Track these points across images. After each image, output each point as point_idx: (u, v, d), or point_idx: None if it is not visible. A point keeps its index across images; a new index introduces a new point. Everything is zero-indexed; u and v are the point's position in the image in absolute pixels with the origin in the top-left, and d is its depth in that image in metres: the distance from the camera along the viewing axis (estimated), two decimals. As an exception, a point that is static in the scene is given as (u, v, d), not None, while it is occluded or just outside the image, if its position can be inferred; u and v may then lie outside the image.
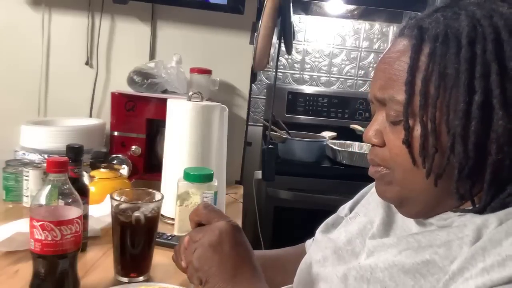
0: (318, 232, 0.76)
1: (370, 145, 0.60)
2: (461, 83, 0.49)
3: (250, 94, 1.60)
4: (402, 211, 0.59)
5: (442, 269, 0.48)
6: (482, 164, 0.50)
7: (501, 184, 0.50)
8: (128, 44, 1.54)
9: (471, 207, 0.52)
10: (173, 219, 1.03)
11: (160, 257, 0.84)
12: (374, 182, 0.77)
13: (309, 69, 2.25)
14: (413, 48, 0.53)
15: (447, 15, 0.53)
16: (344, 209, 0.80)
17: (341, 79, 2.26)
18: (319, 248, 0.68)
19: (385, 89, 0.56)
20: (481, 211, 0.51)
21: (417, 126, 0.52)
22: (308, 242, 0.84)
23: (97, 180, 1.10)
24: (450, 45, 0.50)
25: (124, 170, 1.27)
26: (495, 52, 0.48)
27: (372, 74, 2.20)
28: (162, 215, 1.07)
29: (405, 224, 0.61)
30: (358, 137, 1.94)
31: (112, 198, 0.78)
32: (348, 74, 2.26)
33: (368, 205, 0.71)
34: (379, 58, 0.60)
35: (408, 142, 0.53)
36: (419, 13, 0.59)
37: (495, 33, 0.49)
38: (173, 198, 0.99)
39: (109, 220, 0.81)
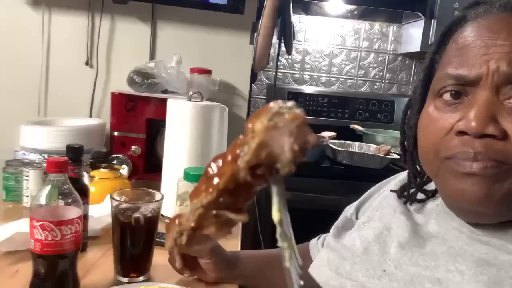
0: (330, 236, 0.73)
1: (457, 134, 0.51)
2: None
3: (250, 94, 1.61)
4: (482, 213, 0.52)
5: None
6: None
7: None
8: (128, 44, 1.54)
9: None
10: (173, 219, 1.03)
11: (160, 257, 0.84)
12: (384, 182, 0.75)
13: (309, 69, 2.24)
14: None
15: None
16: (350, 209, 0.78)
17: (341, 79, 2.26)
18: (335, 258, 0.64)
19: None
20: None
21: None
22: (313, 243, 0.83)
23: (97, 180, 1.10)
24: None
25: (124, 170, 1.27)
26: None
27: (372, 74, 2.22)
28: (162, 215, 1.06)
29: (441, 235, 0.58)
30: (358, 137, 1.94)
31: (112, 198, 0.78)
32: (348, 74, 2.26)
33: (382, 209, 0.68)
34: (470, 34, 0.52)
35: None
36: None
37: None
38: (173, 198, 0.99)
39: (109, 220, 0.81)
